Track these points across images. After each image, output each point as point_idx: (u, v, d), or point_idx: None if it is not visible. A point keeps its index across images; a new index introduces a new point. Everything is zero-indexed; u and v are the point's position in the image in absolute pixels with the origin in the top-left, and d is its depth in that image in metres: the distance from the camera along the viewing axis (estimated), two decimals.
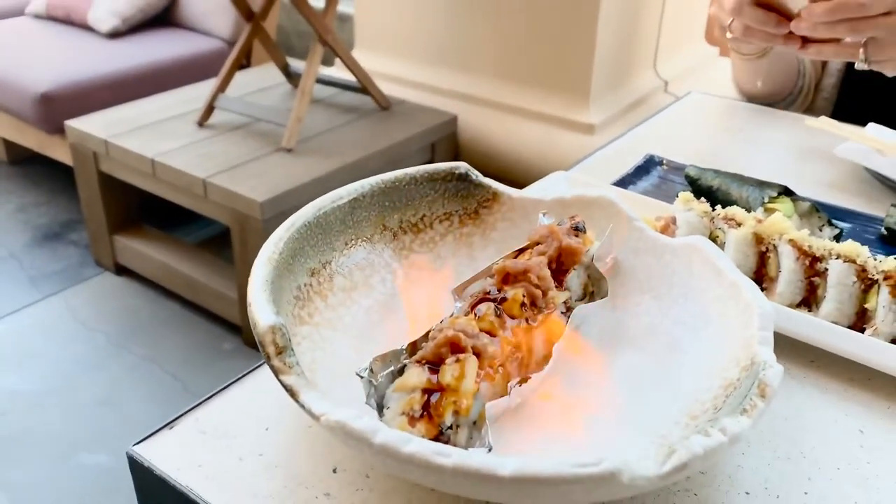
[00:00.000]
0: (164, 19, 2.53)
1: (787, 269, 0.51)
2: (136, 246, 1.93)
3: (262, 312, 0.38)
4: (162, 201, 1.87)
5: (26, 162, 2.58)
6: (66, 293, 1.95)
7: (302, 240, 0.46)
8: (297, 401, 0.36)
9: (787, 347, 0.49)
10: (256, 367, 0.46)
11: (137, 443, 0.40)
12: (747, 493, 0.39)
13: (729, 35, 0.77)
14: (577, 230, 0.49)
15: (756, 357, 0.39)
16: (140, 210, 2.02)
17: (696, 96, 0.96)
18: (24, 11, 2.66)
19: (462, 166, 0.54)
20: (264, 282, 0.40)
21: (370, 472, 0.39)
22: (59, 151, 2.13)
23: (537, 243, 0.48)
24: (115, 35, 2.39)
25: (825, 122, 0.78)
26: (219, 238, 2.09)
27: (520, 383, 0.41)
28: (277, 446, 0.40)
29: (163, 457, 0.39)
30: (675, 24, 2.17)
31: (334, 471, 0.39)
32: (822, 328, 0.48)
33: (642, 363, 0.45)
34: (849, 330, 0.47)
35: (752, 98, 0.97)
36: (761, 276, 0.53)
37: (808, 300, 0.51)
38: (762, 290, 0.52)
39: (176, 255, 1.89)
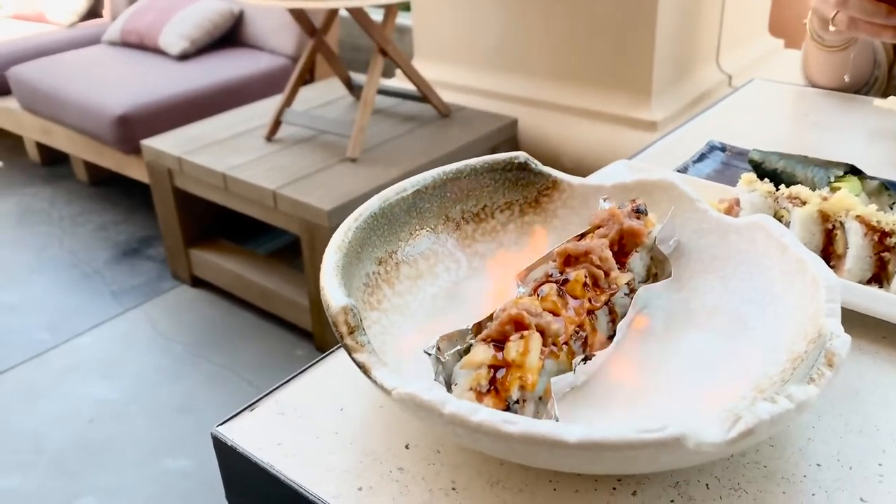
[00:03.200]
0: (230, 40, 2.62)
1: (855, 245, 0.50)
2: (211, 259, 2.00)
3: (333, 294, 0.40)
4: (234, 215, 1.93)
5: (105, 183, 2.70)
6: (145, 306, 2.03)
7: (369, 230, 0.48)
8: (369, 377, 0.37)
9: (858, 324, 0.48)
10: (330, 353, 0.48)
11: (221, 424, 0.42)
12: (818, 465, 0.39)
13: (832, 28, 0.75)
14: (639, 212, 0.49)
15: (823, 329, 0.39)
16: (214, 224, 2.09)
17: (759, 83, 0.95)
18: (101, 39, 2.78)
19: (521, 155, 0.55)
20: (335, 267, 0.42)
21: (441, 447, 0.40)
22: (135, 170, 2.23)
23: (598, 227, 0.49)
24: (184, 57, 2.49)
25: (895, 103, 0.77)
26: (289, 248, 2.15)
27: (584, 361, 0.42)
28: (352, 425, 0.42)
29: (245, 436, 0.41)
30: (737, 16, 2.14)
31: (407, 447, 0.40)
32: (894, 303, 0.47)
33: (708, 342, 0.45)
34: None
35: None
36: (828, 254, 0.52)
37: (879, 276, 0.50)
38: (830, 268, 0.51)
39: (249, 267, 1.95)
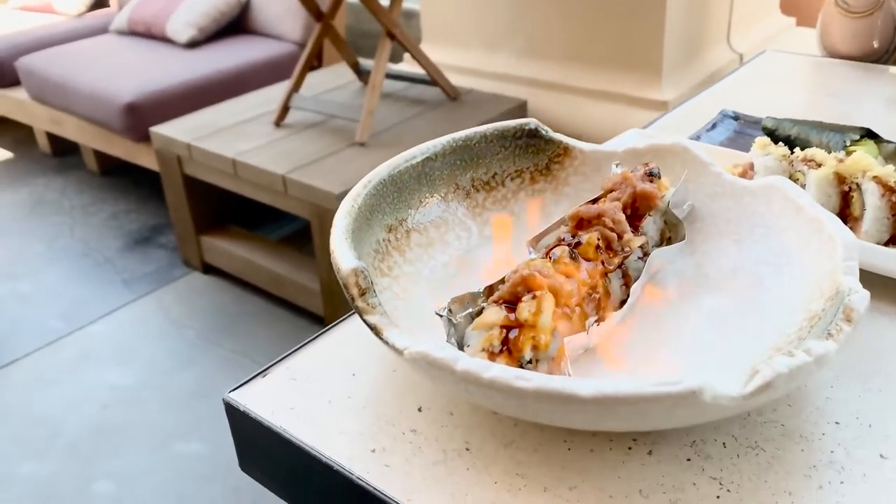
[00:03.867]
0: (237, 27, 2.61)
1: (872, 206, 0.49)
2: (222, 245, 2.00)
3: (344, 257, 0.39)
4: (244, 202, 1.93)
5: (115, 172, 2.71)
6: (157, 293, 2.04)
7: (378, 196, 0.47)
8: (381, 338, 0.37)
9: (877, 285, 0.48)
10: (341, 321, 0.48)
11: (233, 390, 0.42)
12: (837, 423, 0.38)
13: None
14: (652, 176, 0.49)
15: (841, 286, 0.38)
16: (224, 211, 2.09)
17: (770, 55, 0.94)
18: (108, 29, 2.79)
19: (532, 122, 0.54)
20: (344, 231, 0.42)
21: (454, 409, 0.40)
22: (145, 158, 2.23)
23: (611, 191, 0.49)
24: (192, 45, 2.48)
25: None
26: (299, 234, 2.15)
27: (597, 322, 0.41)
28: (364, 390, 0.42)
29: (257, 401, 0.41)
30: None
31: (419, 410, 0.40)
32: None
33: (724, 304, 0.45)
34: None
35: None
36: (845, 216, 0.51)
37: None
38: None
39: (259, 253, 1.95)
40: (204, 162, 1.86)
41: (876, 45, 0.87)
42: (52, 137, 2.83)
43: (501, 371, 0.33)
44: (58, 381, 1.73)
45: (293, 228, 2.21)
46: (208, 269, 2.10)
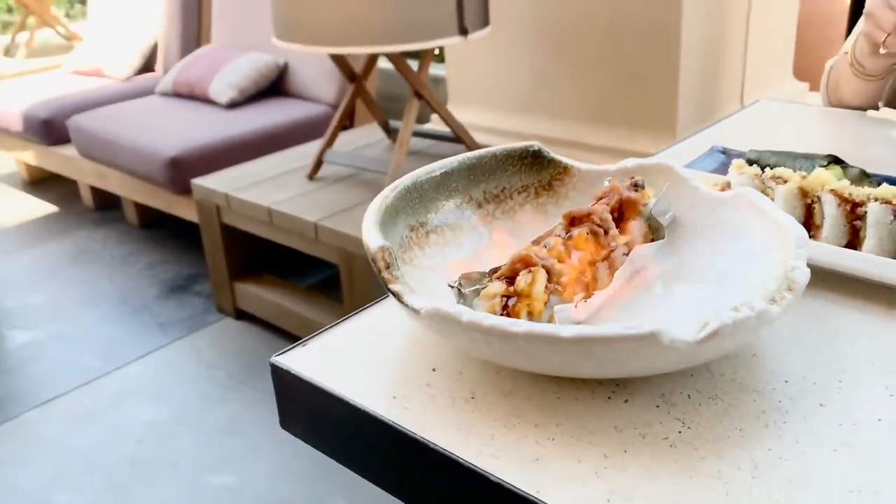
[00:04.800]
0: (275, 89, 2.77)
1: (831, 215, 0.57)
2: (255, 291, 2.10)
3: (373, 238, 0.48)
4: (277, 251, 2.03)
5: (154, 225, 2.84)
6: (191, 337, 2.13)
7: (403, 199, 0.56)
8: (402, 302, 0.45)
9: (833, 282, 0.55)
10: (367, 307, 0.55)
11: (277, 355, 0.50)
12: (786, 382, 0.45)
13: (882, 51, 0.83)
14: (637, 186, 0.57)
15: (788, 266, 0.46)
16: (257, 259, 2.20)
17: (766, 103, 1.02)
18: (154, 91, 2.96)
19: (535, 145, 0.63)
20: (374, 220, 0.50)
21: (463, 369, 0.47)
22: (184, 210, 2.35)
23: (601, 198, 0.57)
24: (232, 105, 2.64)
25: (887, 112, 0.83)
26: (328, 282, 2.24)
27: (584, 300, 0.49)
28: (386, 356, 0.49)
29: (298, 364, 0.49)
30: (760, 59, 2.22)
31: (433, 370, 0.47)
32: (863, 259, 0.54)
33: (697, 291, 0.52)
34: (887, 259, 0.53)
35: None
36: (809, 225, 0.59)
37: (853, 243, 0.57)
38: (810, 237, 0.58)
39: (290, 299, 2.04)
40: (241, 211, 1.97)
41: (881, 105, 0.95)
42: (95, 192, 2.98)
43: (498, 320, 0.41)
44: (95, 417, 1.82)
45: (322, 277, 2.31)
46: (241, 315, 2.19)
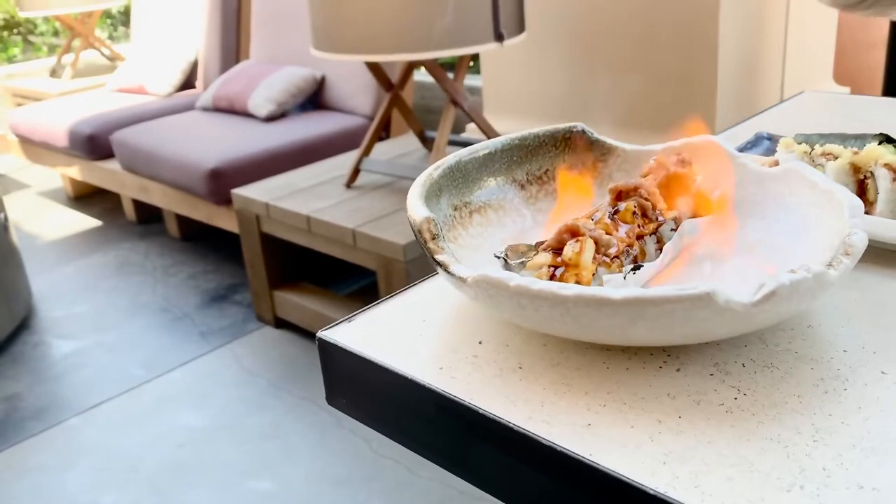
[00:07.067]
0: (313, 102, 2.80)
1: (884, 189, 0.55)
2: (294, 300, 2.11)
3: (418, 210, 0.47)
4: (315, 259, 2.05)
5: (194, 238, 2.88)
6: (231, 345, 2.15)
7: (447, 178, 0.56)
8: (448, 272, 0.44)
9: (890, 258, 0.53)
10: (409, 287, 0.55)
11: (324, 330, 0.50)
12: (845, 351, 0.43)
13: None
14: (684, 162, 0.56)
15: (844, 233, 0.44)
16: (297, 268, 2.21)
17: (809, 94, 1.00)
18: (195, 106, 3.01)
19: (579, 126, 0.62)
20: (419, 195, 0.50)
21: (510, 342, 0.47)
22: (225, 221, 2.38)
23: (647, 175, 0.56)
24: (271, 118, 2.67)
25: None
26: (366, 290, 2.25)
27: (634, 271, 0.48)
28: (433, 329, 0.49)
29: (344, 338, 0.49)
30: (799, 61, 2.19)
31: (480, 343, 0.47)
32: None
33: (749, 263, 0.51)
34: None
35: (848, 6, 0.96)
36: (863, 202, 0.57)
37: None
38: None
39: (329, 306, 2.05)
40: (280, 220, 1.99)
41: None
42: (137, 206, 3.04)
43: (547, 284, 0.40)
44: (138, 422, 1.84)
45: (360, 285, 2.31)
46: (280, 324, 2.20)
